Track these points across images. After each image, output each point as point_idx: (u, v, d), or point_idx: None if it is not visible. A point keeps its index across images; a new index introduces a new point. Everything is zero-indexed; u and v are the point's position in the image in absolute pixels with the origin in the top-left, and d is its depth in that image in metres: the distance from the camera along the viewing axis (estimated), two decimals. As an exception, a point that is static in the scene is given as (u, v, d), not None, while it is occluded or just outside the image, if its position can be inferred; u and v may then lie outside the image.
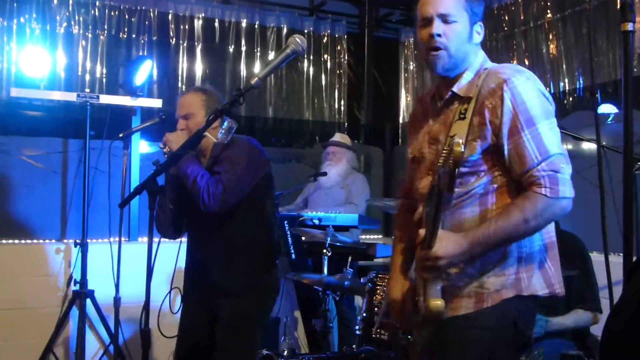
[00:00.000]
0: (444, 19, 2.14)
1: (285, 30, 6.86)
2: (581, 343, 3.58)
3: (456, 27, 2.16)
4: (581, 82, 5.42)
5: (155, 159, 2.90)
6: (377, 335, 3.23)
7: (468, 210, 2.13)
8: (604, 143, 3.69)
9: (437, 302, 1.99)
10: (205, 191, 2.96)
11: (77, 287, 4.67)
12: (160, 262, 5.36)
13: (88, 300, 4.64)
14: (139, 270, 4.57)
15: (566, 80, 5.52)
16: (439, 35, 2.14)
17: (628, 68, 1.39)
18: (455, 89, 2.21)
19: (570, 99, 5.48)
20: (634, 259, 3.38)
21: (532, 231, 2.10)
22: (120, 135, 4.19)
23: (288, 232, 4.83)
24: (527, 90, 2.09)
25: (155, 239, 2.37)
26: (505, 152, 2.09)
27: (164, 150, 3.14)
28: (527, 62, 5.86)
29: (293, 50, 2.06)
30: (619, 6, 4.94)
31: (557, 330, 3.40)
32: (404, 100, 7.51)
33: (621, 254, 4.24)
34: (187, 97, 3.28)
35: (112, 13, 6.03)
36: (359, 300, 5.44)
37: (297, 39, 2.07)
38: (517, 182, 2.12)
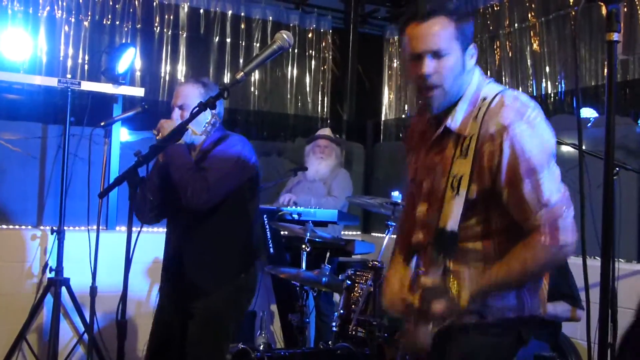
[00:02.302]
0: (436, 54, 2.04)
1: (270, 23, 6.83)
2: (554, 344, 3.62)
3: (449, 61, 2.05)
4: (563, 85, 5.46)
5: (137, 148, 2.88)
6: (354, 332, 3.24)
7: (470, 248, 2.10)
8: (584, 148, 3.74)
9: (426, 345, 2.03)
10: (190, 186, 2.95)
11: (53, 274, 4.63)
12: (139, 252, 5.34)
13: (63, 289, 4.60)
14: (116, 260, 4.56)
15: (548, 83, 5.56)
16: (429, 75, 2.04)
17: (612, 78, 1.39)
18: (448, 123, 2.12)
19: (552, 102, 5.53)
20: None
21: (535, 277, 2.11)
22: (102, 123, 4.15)
23: (267, 226, 4.83)
24: (529, 139, 2.00)
25: (135, 229, 2.33)
26: (504, 199, 2.05)
27: (157, 137, 3.11)
28: (510, 64, 5.90)
29: (279, 46, 2.06)
30: (604, 14, 4.99)
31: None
32: (387, 97, 7.52)
33: (598, 258, 4.30)
34: (185, 88, 3.25)
35: (96, -2, 5.96)
36: (337, 296, 5.46)
37: (284, 35, 2.06)
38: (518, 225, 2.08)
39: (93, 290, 4.11)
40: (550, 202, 1.99)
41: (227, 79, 6.61)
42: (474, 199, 2.05)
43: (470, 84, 2.13)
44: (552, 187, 2.01)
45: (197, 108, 2.01)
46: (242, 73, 2.00)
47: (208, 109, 2.02)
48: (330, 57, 7.22)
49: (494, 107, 2.05)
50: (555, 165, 2.06)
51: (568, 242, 2.01)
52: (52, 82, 4.83)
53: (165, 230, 3.42)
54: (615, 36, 1.23)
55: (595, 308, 3.80)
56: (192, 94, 3.17)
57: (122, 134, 5.44)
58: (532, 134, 2.00)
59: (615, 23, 1.23)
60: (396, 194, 4.05)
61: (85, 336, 4.74)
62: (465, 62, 2.10)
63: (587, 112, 5.61)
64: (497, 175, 2.02)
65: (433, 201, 2.16)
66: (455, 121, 2.10)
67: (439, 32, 2.03)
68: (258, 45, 6.76)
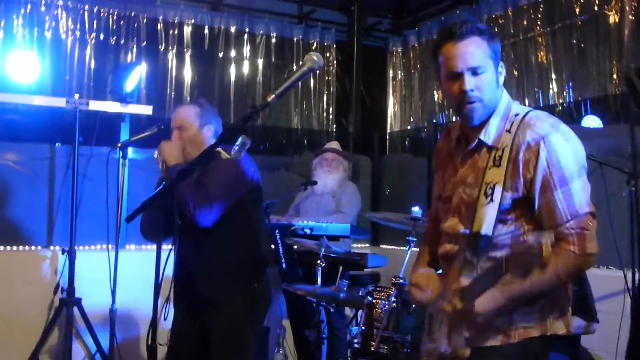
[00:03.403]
0: (474, 71, 2.14)
1: (274, 38, 6.85)
2: (573, 357, 3.61)
3: (486, 77, 2.15)
4: (570, 95, 5.48)
5: (143, 166, 2.89)
6: (377, 349, 3.22)
7: (498, 255, 2.12)
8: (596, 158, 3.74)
9: (466, 352, 2.13)
10: (191, 201, 2.99)
11: (64, 295, 4.60)
12: (147, 270, 5.32)
13: (75, 309, 4.58)
14: (127, 278, 4.57)
15: (555, 93, 5.58)
16: (472, 90, 2.13)
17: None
18: (482, 136, 2.21)
19: (559, 111, 5.54)
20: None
21: (562, 285, 2.17)
22: (119, 144, 4.15)
23: (279, 242, 4.81)
24: (563, 150, 2.10)
25: (165, 246, 2.32)
26: (536, 206, 2.12)
27: (158, 158, 3.16)
28: (515, 74, 5.92)
29: (310, 68, 2.05)
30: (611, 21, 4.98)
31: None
32: (392, 109, 7.53)
33: (611, 267, 4.30)
34: (182, 110, 3.37)
35: (101, 17, 5.97)
36: (347, 310, 5.43)
37: (314, 57, 2.06)
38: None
39: (113, 312, 4.07)
40: (580, 213, 2.08)
41: (233, 92, 6.62)
42: (507, 207, 2.13)
43: (501, 101, 2.23)
44: (582, 198, 2.10)
45: (227, 131, 2.00)
46: (273, 95, 1.98)
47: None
48: (335, 70, 7.23)
49: (528, 121, 2.15)
50: (587, 179, 2.14)
51: (594, 252, 2.09)
52: (61, 102, 4.82)
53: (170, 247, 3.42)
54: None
55: (611, 318, 3.82)
56: (189, 115, 3.31)
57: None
58: (566, 146, 2.10)
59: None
60: (416, 209, 4.04)
61: (98, 356, 4.71)
62: (498, 78, 2.21)
63: (591, 120, 5.63)
64: (532, 183, 2.10)
65: (465, 212, 2.22)
66: (488, 135, 2.20)
67: (476, 50, 2.14)
68: (262, 60, 6.78)
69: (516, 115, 2.19)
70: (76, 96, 5.09)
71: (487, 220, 2.10)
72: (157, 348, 2.25)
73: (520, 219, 2.15)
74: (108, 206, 4.36)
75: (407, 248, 4.04)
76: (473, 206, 2.17)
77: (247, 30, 6.70)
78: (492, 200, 2.11)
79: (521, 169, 2.10)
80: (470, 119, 2.19)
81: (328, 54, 7.18)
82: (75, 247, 4.66)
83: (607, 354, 3.96)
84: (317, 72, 7.06)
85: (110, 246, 4.37)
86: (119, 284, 4.55)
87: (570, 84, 5.49)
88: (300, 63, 2.11)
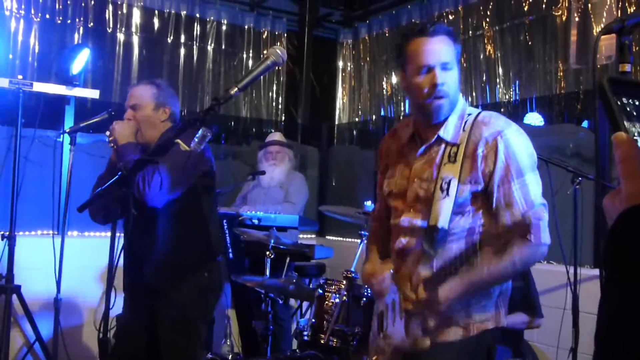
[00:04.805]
0: (444, 67, 2.22)
1: (225, 25, 6.78)
2: (516, 349, 3.71)
3: (453, 74, 2.25)
4: (517, 92, 5.59)
5: (89, 151, 2.81)
6: (327, 342, 3.24)
7: (454, 247, 2.23)
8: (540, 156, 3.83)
9: (426, 342, 2.21)
10: (141, 180, 2.91)
11: (2, 282, 4.47)
12: (91, 258, 5.19)
13: (14, 296, 4.45)
14: (68, 265, 4.46)
15: (502, 90, 5.68)
16: (442, 84, 2.21)
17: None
18: (441, 133, 2.28)
19: (505, 109, 5.65)
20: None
21: (517, 274, 2.32)
22: (68, 130, 4.02)
23: (227, 231, 4.77)
24: (518, 144, 2.20)
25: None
26: (494, 198, 2.21)
27: (109, 138, 3.09)
28: (464, 71, 6.00)
29: (273, 62, 2.04)
30: (558, 22, 5.07)
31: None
32: (340, 101, 7.55)
33: (552, 262, 4.42)
34: (139, 89, 3.28)
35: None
36: (292, 301, 5.44)
37: (278, 51, 2.05)
38: (502, 225, 2.24)
39: (58, 302, 3.96)
40: (536, 203, 2.19)
41: (181, 79, 6.53)
42: (465, 200, 2.22)
43: (459, 101, 2.33)
44: (537, 190, 2.21)
45: (186, 123, 1.97)
46: (236, 88, 1.96)
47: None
48: (285, 60, 7.18)
49: (482, 119, 2.27)
50: (538, 173, 2.25)
51: (548, 242, 2.19)
52: (4, 82, 4.66)
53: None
54: (627, 67, 1.27)
55: (553, 312, 3.93)
56: (144, 95, 3.21)
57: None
58: (521, 140, 2.22)
59: (628, 55, 1.27)
60: (369, 204, 4.07)
61: (37, 346, 4.60)
62: (459, 79, 2.31)
63: (533, 117, 5.77)
64: (491, 176, 2.19)
65: (421, 206, 2.29)
66: (447, 132, 2.28)
67: (446, 47, 2.24)
68: (212, 47, 6.70)
69: (469, 114, 2.30)
70: (19, 77, 4.93)
71: (443, 213, 2.18)
72: (109, 342, 2.20)
73: (480, 211, 2.24)
74: (54, 192, 4.24)
75: (356, 241, 4.07)
76: (429, 200, 2.24)
77: (197, 15, 6.60)
78: (447, 194, 2.20)
79: (480, 163, 2.19)
80: (436, 114, 2.26)
81: (279, 43, 7.13)
82: (16, 233, 4.53)
83: (548, 347, 4.08)
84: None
85: (45, 232, 4.25)
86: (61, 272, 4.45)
87: (517, 82, 5.60)
88: (263, 56, 2.09)
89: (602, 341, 0.77)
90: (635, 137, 0.84)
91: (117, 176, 2.15)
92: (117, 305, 3.22)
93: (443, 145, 2.28)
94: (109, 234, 4.22)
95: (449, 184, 2.20)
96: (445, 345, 2.25)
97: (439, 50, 2.21)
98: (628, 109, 0.86)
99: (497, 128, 2.21)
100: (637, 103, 0.87)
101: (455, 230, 2.22)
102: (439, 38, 2.23)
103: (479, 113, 2.31)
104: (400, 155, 2.43)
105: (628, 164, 0.82)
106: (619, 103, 0.85)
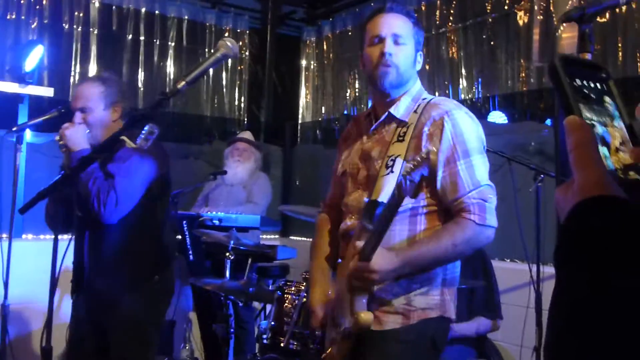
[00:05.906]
0: (396, 39, 2.25)
1: (186, 21, 6.66)
2: (480, 350, 3.68)
3: (405, 49, 2.27)
4: (479, 91, 5.58)
5: (43, 151, 2.69)
6: (286, 345, 3.16)
7: (397, 229, 2.19)
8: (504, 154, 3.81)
9: (368, 315, 2.08)
10: (96, 198, 2.80)
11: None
12: (45, 262, 5.03)
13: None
14: (22, 270, 4.30)
15: (465, 89, 5.67)
16: (390, 54, 2.23)
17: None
18: (392, 110, 2.29)
19: (468, 107, 5.62)
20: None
21: (459, 256, 2.22)
22: (14, 128, 3.86)
23: (187, 233, 4.67)
24: (466, 124, 2.20)
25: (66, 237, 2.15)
26: (439, 178, 2.19)
27: (60, 142, 2.93)
28: (427, 68, 5.97)
29: (224, 54, 1.96)
30: (520, 20, 5.07)
31: (460, 336, 3.47)
32: (304, 99, 7.47)
33: (516, 260, 4.41)
34: (84, 88, 3.07)
35: (0, -8, 5.61)
36: (256, 303, 5.34)
37: (228, 43, 1.97)
38: (446, 207, 2.21)
39: (5, 308, 3.79)
40: (480, 184, 2.16)
41: (141, 76, 6.39)
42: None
43: (414, 85, 2.35)
44: (483, 171, 2.19)
45: (133, 119, 1.88)
46: (184, 82, 1.87)
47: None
48: (247, 57, 7.10)
49: (434, 102, 2.28)
50: (486, 157, 2.24)
51: (493, 225, 2.17)
52: (-47, 80, 4.50)
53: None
54: (588, 56, 1.22)
55: (517, 310, 3.91)
56: (92, 95, 3.02)
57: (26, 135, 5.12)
58: (469, 121, 2.22)
59: (589, 44, 1.21)
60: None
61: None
62: (415, 60, 2.32)
63: (497, 116, 5.76)
64: (437, 156, 2.16)
65: (367, 183, 2.28)
66: (398, 110, 2.29)
67: (401, 23, 2.28)
68: (173, 44, 6.57)
69: (424, 99, 2.31)
70: (-30, 74, 4.77)
71: (385, 189, 2.16)
72: (52, 350, 2.09)
73: (423, 190, 2.19)
74: (3, 193, 4.08)
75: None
76: (375, 177, 2.24)
77: (157, 12, 6.47)
78: (392, 171, 2.18)
79: (425, 141, 2.18)
80: (383, 81, 2.26)
81: (241, 41, 7.03)
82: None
83: (512, 345, 4.05)
84: (230, 59, 6.91)
85: (4, 235, 4.10)
86: (13, 277, 4.28)
87: (480, 80, 5.59)
88: (213, 49, 2.00)
89: (558, 337, 0.70)
90: (591, 122, 0.77)
91: (59, 176, 2.04)
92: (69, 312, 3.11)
93: (394, 125, 2.29)
94: (66, 237, 4.13)
95: (394, 161, 2.19)
96: (386, 334, 2.19)
97: (392, 23, 2.26)
98: (585, 91, 0.79)
99: (446, 108, 2.21)
100: (592, 85, 0.80)
101: (398, 212, 2.15)
102: (396, 15, 2.28)
103: (433, 98, 2.32)
104: (357, 138, 2.44)
105: (581, 151, 0.74)
106: (574, 84, 0.78)
